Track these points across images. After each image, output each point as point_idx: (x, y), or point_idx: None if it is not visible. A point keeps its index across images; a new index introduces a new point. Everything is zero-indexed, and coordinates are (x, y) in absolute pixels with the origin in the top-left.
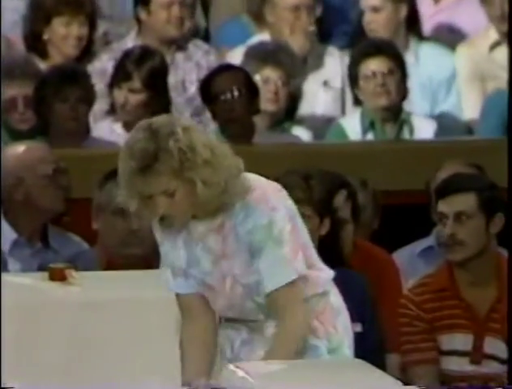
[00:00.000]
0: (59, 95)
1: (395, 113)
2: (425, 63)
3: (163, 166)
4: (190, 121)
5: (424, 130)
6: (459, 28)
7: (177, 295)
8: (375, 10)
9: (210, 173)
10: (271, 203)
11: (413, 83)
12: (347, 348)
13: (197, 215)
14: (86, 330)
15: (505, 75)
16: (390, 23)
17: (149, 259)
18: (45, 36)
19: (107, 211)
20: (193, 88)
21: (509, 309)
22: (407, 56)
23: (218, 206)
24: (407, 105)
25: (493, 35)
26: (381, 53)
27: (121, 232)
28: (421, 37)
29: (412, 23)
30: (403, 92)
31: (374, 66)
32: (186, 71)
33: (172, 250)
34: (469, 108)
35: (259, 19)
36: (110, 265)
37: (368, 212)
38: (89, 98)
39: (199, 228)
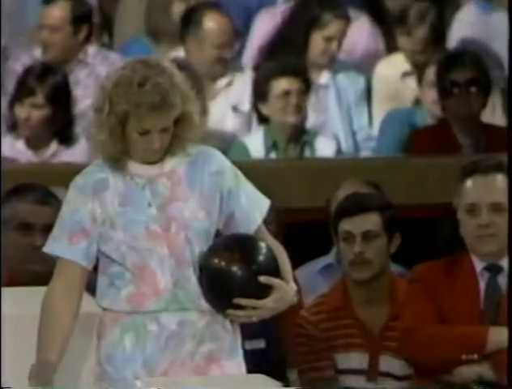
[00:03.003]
0: None
1: (299, 133)
2: (340, 83)
3: (174, 100)
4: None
5: (325, 150)
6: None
7: (64, 261)
8: None
9: (199, 107)
10: None
11: (330, 102)
12: None
13: (149, 157)
14: None
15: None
16: None
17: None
18: None
19: (10, 226)
20: (87, 102)
21: (509, 310)
22: (323, 76)
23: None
24: (325, 124)
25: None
26: (293, 72)
27: (24, 248)
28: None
29: None
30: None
31: (288, 84)
32: (86, 86)
33: (99, 207)
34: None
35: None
36: (12, 281)
37: (271, 230)
38: None
39: (147, 172)
